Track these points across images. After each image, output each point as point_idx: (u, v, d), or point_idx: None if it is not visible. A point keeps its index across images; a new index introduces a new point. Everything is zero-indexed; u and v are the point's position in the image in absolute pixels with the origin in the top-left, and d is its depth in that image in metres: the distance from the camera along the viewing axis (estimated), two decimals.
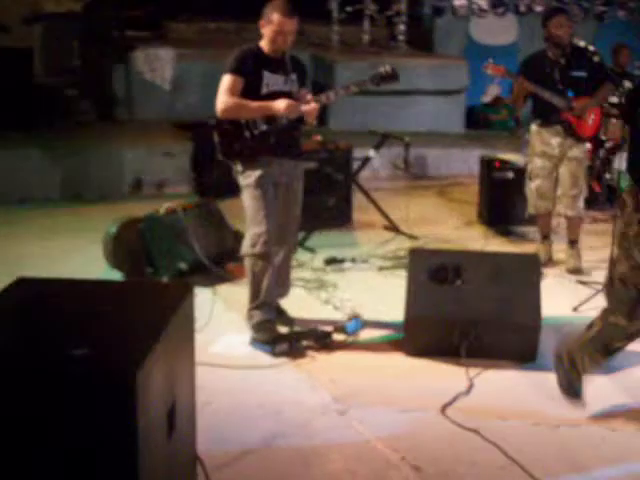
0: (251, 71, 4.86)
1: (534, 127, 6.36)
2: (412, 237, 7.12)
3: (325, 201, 7.06)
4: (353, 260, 6.47)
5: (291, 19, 4.81)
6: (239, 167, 4.94)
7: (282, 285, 5.18)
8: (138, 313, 2.93)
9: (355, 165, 7.52)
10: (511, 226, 7.46)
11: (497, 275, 4.87)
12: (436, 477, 3.67)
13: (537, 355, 4.81)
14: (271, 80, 4.90)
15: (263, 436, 3.97)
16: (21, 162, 8.56)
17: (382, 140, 7.26)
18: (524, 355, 4.78)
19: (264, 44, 4.94)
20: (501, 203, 7.49)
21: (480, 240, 7.13)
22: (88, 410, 2.49)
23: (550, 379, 4.65)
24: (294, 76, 4.98)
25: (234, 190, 8.41)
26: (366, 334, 5.18)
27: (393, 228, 7.30)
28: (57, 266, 6.37)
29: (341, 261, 6.44)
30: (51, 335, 2.71)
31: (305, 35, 11.00)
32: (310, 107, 4.89)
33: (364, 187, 7.44)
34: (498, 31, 11.37)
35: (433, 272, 4.88)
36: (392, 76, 5.00)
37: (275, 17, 4.78)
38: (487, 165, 7.63)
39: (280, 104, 4.79)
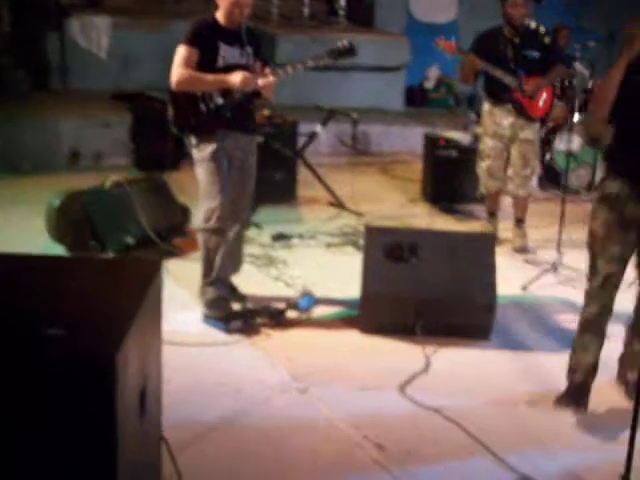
0: (207, 43, 4.75)
1: (486, 106, 6.38)
2: (357, 214, 7.10)
3: (271, 176, 6.99)
4: (301, 236, 6.43)
5: None
6: (193, 140, 4.84)
7: (235, 261, 5.11)
8: (111, 291, 2.83)
9: (300, 140, 7.46)
10: (455, 204, 7.49)
11: (452, 253, 4.88)
12: (399, 456, 3.66)
13: (491, 334, 4.84)
14: (227, 52, 4.80)
15: (224, 414, 3.92)
16: None
17: (329, 116, 7.21)
18: (479, 333, 4.81)
19: (220, 16, 4.83)
20: (445, 181, 7.51)
21: (425, 218, 7.17)
22: (65, 393, 2.39)
23: (504, 357, 4.72)
24: (250, 49, 4.89)
25: (175, 163, 8.35)
26: (319, 311, 5.15)
27: (338, 204, 7.27)
28: None
29: (289, 237, 6.39)
30: (22, 314, 2.59)
31: None
32: (267, 81, 4.81)
33: (310, 163, 7.38)
34: (438, 9, 11.36)
35: (389, 250, 4.87)
36: (350, 51, 4.94)
37: None
38: (431, 143, 7.64)
39: (236, 77, 4.70)
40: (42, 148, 8.53)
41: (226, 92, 4.79)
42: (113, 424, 2.43)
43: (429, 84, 11.17)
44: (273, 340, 4.76)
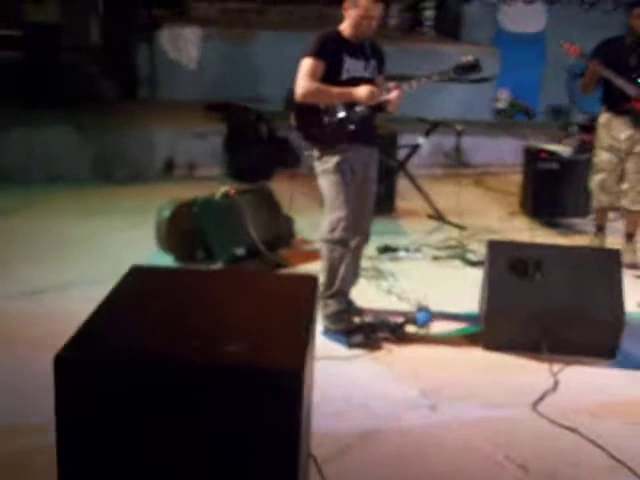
0: (332, 55, 4.73)
1: (603, 118, 6.24)
2: (459, 227, 7.01)
3: None
4: (406, 249, 6.36)
5: (378, 3, 4.70)
6: (316, 152, 4.82)
7: (354, 274, 5.07)
8: (278, 306, 2.81)
9: (400, 152, 7.41)
10: (557, 218, 7.37)
11: (578, 269, 4.78)
12: (545, 477, 3.58)
13: (618, 352, 4.74)
14: (352, 65, 4.78)
15: (356, 431, 3.87)
16: (51, 140, 8.41)
17: (432, 127, 7.14)
18: (604, 351, 4.70)
19: (345, 28, 4.81)
20: (546, 194, 7.39)
21: (526, 231, 7.06)
22: (248, 411, 2.37)
23: (633, 376, 4.60)
24: (374, 62, 4.87)
25: (268, 174, 8.37)
26: (436, 326, 5.08)
27: (438, 217, 7.20)
28: (100, 247, 6.31)
29: (395, 250, 6.33)
30: (198, 331, 2.57)
31: (329, 18, 10.88)
32: (394, 95, 4.78)
33: (412, 175, 7.31)
34: (527, 19, 11.24)
35: (513, 265, 4.78)
36: (475, 67, 4.91)
37: (362, 1, 4.66)
38: (532, 155, 7.54)
39: (362, 91, 4.67)
40: (137, 158, 8.61)
41: (349, 105, 4.77)
42: (296, 442, 2.40)
43: (500, 105, 10.96)
44: (395, 355, 4.71)
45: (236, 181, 8.31)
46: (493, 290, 4.74)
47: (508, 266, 4.79)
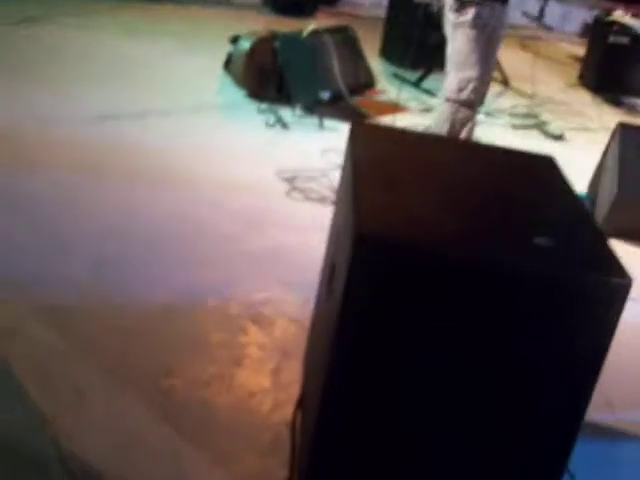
0: None
1: None
2: (525, 95, 6.66)
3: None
4: (487, 113, 6.02)
5: None
6: (453, 2, 4.40)
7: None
8: (543, 188, 2.49)
9: None
10: (621, 95, 7.09)
11: None
12: None
13: None
14: None
15: None
16: None
17: None
18: None
19: None
20: (613, 69, 7.07)
21: (592, 106, 6.78)
22: (556, 315, 2.09)
23: None
24: None
25: (312, 10, 7.84)
26: None
27: (504, 81, 6.84)
28: (161, 73, 5.89)
29: None
30: (510, 217, 2.25)
31: None
32: None
33: None
34: None
35: None
36: None
37: None
38: (602, 26, 7.16)
39: None
40: None
41: None
42: (601, 361, 2.12)
43: None
44: None
45: (277, 14, 7.83)
46: (623, 175, 4.49)
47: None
